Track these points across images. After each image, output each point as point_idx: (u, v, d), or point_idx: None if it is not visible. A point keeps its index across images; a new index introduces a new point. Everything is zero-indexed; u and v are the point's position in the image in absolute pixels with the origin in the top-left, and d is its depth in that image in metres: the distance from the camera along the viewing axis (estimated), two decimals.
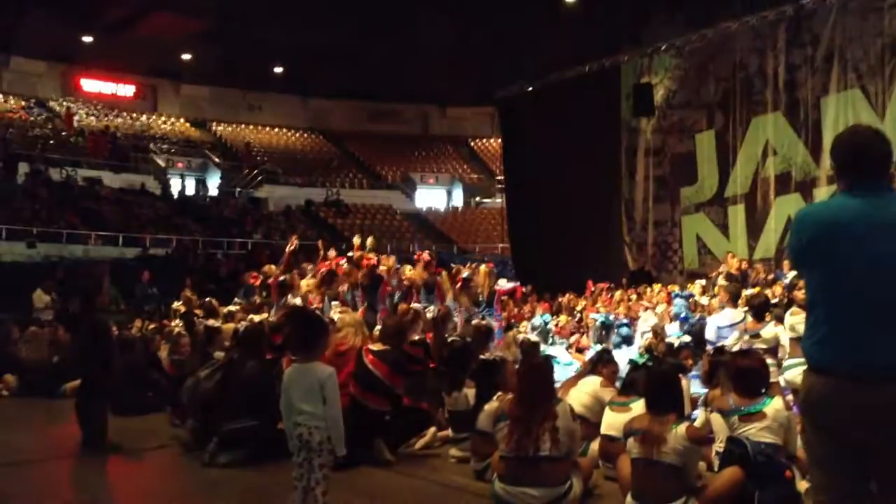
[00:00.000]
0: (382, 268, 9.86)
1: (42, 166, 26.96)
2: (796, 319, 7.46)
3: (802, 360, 7.12)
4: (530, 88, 21.38)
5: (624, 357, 7.39)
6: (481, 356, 6.86)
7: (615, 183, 19.36)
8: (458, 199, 39.58)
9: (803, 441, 3.46)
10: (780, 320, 7.76)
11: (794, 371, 7.21)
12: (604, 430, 5.73)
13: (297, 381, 4.53)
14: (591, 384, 6.27)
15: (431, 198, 39.55)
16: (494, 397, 5.85)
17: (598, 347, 8.17)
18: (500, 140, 29.61)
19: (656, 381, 5.01)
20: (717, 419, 5.11)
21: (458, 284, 9.56)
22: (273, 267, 10.70)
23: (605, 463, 5.68)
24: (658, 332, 8.67)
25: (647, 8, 22.95)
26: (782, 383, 7.28)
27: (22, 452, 7.42)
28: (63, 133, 31.55)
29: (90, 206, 25.72)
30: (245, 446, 6.54)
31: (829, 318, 3.00)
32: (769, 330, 7.65)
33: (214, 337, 8.23)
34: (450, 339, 7.42)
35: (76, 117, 33.60)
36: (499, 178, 32.54)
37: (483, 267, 10.18)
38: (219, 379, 7.17)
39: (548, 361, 6.31)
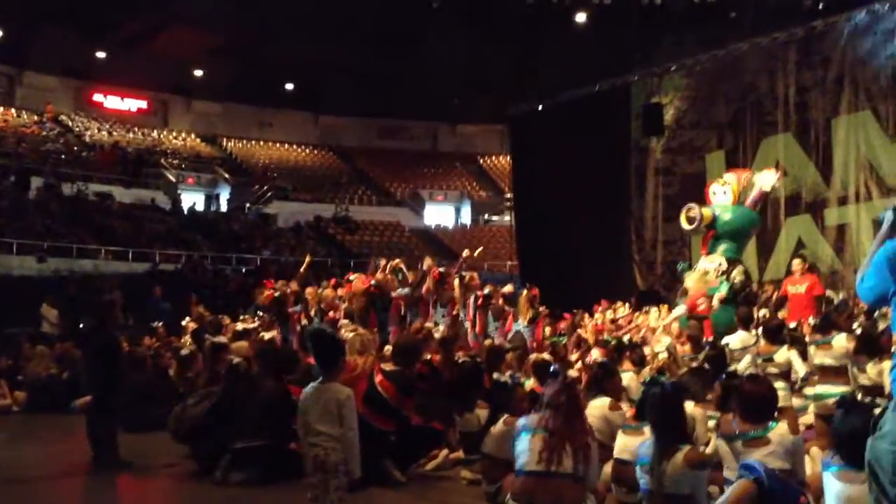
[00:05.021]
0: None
1: (54, 181, 27.10)
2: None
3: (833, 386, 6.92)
4: (540, 107, 21.41)
5: (636, 378, 7.35)
6: (494, 377, 6.83)
7: (624, 202, 19.31)
8: (466, 216, 39.57)
9: None
10: (792, 344, 7.70)
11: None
12: (617, 453, 5.67)
13: (314, 401, 4.52)
14: (600, 407, 6.15)
15: (440, 215, 39.54)
16: (501, 420, 5.82)
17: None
18: (509, 158, 29.66)
19: (658, 407, 4.88)
20: (721, 445, 5.07)
21: (479, 302, 9.53)
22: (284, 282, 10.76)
23: (619, 487, 5.64)
24: (672, 353, 8.58)
25: (658, 28, 23.02)
26: (812, 409, 7.16)
27: (32, 469, 7.44)
28: (75, 148, 31.74)
29: (101, 221, 25.81)
30: (258, 465, 6.53)
31: None
32: (782, 353, 7.58)
33: (220, 354, 8.12)
34: (460, 360, 7.39)
35: (88, 132, 33.88)
36: (507, 195, 32.55)
37: (525, 291, 10.08)
38: (207, 407, 7.12)
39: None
